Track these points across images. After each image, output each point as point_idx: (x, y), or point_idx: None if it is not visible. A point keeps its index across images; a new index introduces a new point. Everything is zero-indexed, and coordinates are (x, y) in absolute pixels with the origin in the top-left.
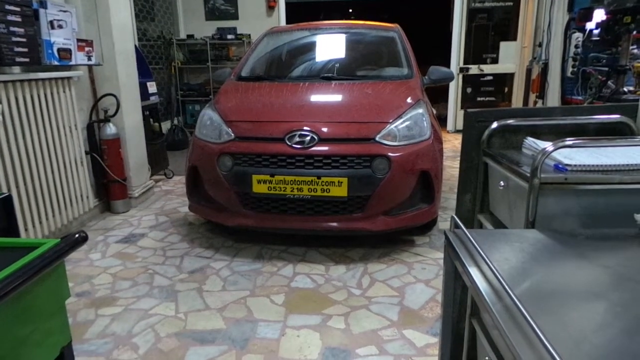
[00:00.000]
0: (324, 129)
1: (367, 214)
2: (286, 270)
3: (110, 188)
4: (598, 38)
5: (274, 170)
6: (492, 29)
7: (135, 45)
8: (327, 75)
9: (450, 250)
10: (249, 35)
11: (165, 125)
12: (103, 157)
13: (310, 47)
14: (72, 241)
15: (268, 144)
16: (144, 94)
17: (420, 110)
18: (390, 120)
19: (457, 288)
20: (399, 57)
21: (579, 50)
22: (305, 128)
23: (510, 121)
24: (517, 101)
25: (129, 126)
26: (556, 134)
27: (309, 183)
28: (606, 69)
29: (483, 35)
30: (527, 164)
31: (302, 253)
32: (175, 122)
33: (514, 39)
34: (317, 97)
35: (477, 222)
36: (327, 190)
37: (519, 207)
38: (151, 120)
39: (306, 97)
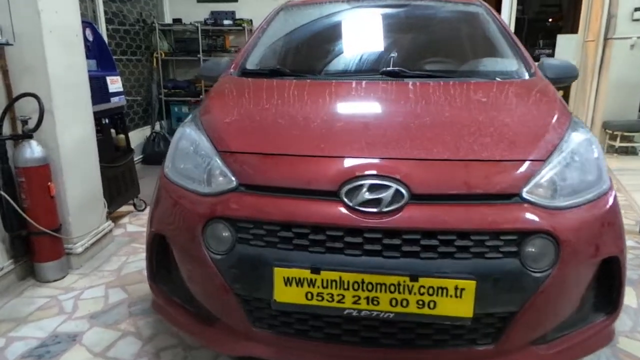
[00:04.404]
0: (420, 175)
1: (504, 345)
2: None
3: (33, 243)
4: None
5: (318, 258)
6: (549, 19)
7: (88, 22)
8: (391, 69)
9: None
10: (251, 21)
11: (144, 132)
12: (19, 195)
13: (353, 28)
14: None
15: (305, 202)
16: (102, 93)
17: (586, 136)
18: (544, 158)
19: None
20: (497, 42)
21: None
22: (378, 173)
23: None
24: (576, 110)
25: (68, 145)
26: None
27: (392, 289)
28: None
29: (538, 26)
30: None
31: None
32: (157, 127)
33: (575, 30)
34: (389, 109)
35: None
36: (432, 305)
37: None
38: (112, 131)
39: (370, 108)
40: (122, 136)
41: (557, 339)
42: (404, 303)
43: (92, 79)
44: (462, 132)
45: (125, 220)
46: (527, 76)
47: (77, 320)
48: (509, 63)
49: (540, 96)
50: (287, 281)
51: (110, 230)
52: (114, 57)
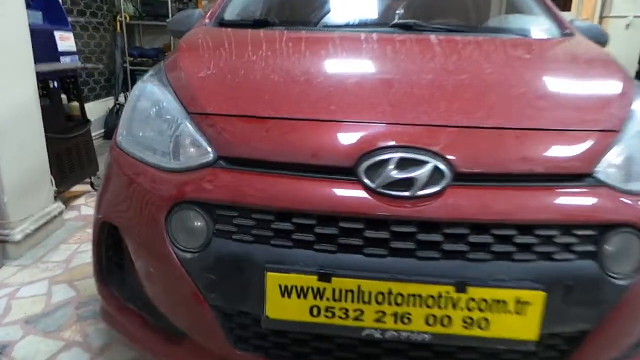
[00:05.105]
0: (466, 147)
1: None
2: None
3: None
4: None
5: (329, 259)
6: None
7: None
8: (404, 22)
9: None
10: None
11: (106, 104)
12: None
13: None
14: None
15: (310, 183)
16: (49, 51)
17: None
18: (618, 128)
19: None
20: None
21: None
22: (409, 144)
23: None
24: None
25: (1, 110)
26: None
27: (430, 302)
28: None
29: None
30: None
31: None
32: (122, 99)
33: (568, 8)
34: (414, 65)
35: None
36: (483, 324)
37: None
38: (64, 97)
39: (388, 63)
40: (75, 104)
41: (628, 358)
42: (446, 321)
43: (35, 32)
44: (511, 95)
45: (79, 201)
46: (561, 35)
47: (9, 326)
48: (540, 20)
49: (593, 56)
50: (285, 291)
51: (60, 213)
52: (69, 17)
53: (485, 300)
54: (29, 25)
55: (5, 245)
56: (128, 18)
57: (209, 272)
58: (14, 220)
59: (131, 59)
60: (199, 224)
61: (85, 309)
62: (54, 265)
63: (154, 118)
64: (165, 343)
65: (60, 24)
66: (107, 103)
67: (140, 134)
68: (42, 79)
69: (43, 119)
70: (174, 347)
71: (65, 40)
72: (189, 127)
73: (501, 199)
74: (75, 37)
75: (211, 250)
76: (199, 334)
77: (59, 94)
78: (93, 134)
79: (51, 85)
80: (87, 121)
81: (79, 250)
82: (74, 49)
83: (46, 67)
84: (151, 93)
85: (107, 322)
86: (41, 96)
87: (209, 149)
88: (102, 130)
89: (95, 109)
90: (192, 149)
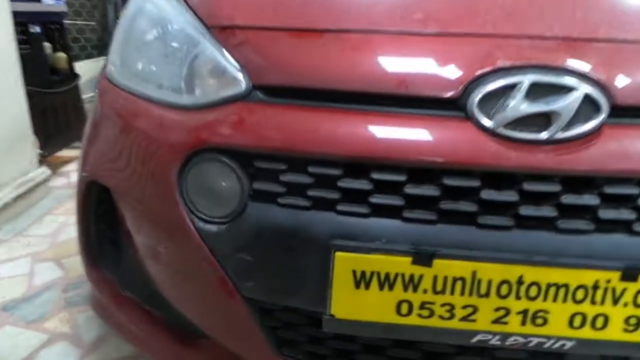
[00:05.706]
0: (628, 70)
1: None
2: None
3: None
4: None
5: (426, 233)
6: None
7: None
8: None
9: None
10: None
11: (98, 64)
12: None
13: None
14: None
15: (395, 121)
16: None
17: None
18: None
19: None
20: None
21: None
22: (545, 64)
23: None
24: None
25: None
26: None
27: (580, 295)
28: None
29: None
30: None
31: None
32: None
33: None
34: None
35: None
36: None
37: None
38: (47, 45)
39: None
40: (62, 55)
41: None
42: (599, 323)
43: None
44: None
45: (69, 167)
46: None
47: None
48: None
49: None
50: (361, 279)
51: (46, 180)
52: None
53: None
54: None
55: None
56: None
57: (243, 251)
58: None
59: None
60: (227, 182)
61: (74, 292)
62: (38, 239)
63: (160, 39)
64: (176, 345)
65: None
66: (99, 63)
67: (140, 63)
68: (21, 22)
69: (23, 69)
70: (187, 351)
71: None
72: (209, 47)
73: None
74: None
75: (246, 220)
76: (226, 335)
77: (41, 40)
78: (84, 97)
79: (32, 30)
80: (76, 75)
81: (67, 223)
82: None
83: (24, 6)
84: (154, 5)
85: (99, 314)
86: (20, 43)
87: (240, 77)
88: (94, 93)
89: (87, 69)
90: (213, 79)
